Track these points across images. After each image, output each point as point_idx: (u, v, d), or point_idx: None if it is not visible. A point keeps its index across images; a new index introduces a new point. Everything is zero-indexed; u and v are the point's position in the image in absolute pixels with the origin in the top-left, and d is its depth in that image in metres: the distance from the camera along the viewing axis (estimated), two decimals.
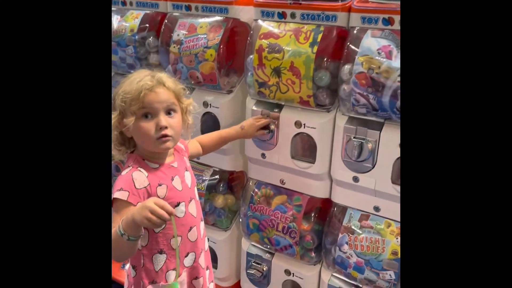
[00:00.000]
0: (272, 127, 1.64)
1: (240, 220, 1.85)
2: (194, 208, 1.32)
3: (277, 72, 1.55)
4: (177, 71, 1.82)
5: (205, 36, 1.73)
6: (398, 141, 1.37)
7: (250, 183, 1.83)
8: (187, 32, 1.78)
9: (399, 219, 1.46)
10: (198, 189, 1.50)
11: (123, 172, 1.23)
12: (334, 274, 1.64)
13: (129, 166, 1.24)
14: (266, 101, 1.67)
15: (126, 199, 1.16)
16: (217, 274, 2.00)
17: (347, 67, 1.44)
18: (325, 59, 1.50)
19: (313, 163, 1.60)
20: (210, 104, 1.81)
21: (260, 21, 1.64)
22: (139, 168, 1.23)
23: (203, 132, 1.71)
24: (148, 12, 1.97)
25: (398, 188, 1.43)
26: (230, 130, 1.64)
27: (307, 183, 1.66)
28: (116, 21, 2.03)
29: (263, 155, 1.71)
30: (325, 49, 1.49)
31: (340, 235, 1.56)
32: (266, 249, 1.83)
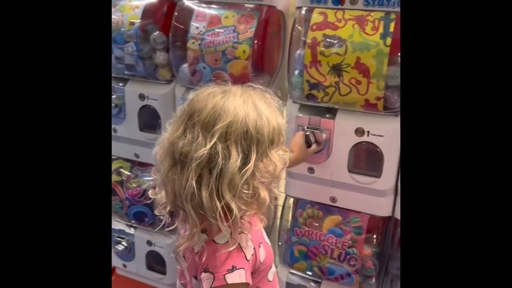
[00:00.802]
0: (324, 136, 1.37)
1: (279, 247, 1.57)
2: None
3: (337, 70, 1.27)
4: (196, 72, 1.49)
5: (234, 28, 1.42)
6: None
7: (289, 202, 1.55)
8: (208, 24, 1.46)
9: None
10: None
11: (222, 240, 0.85)
12: None
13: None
14: (313, 105, 1.39)
15: (245, 281, 0.84)
16: None
17: None
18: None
19: (378, 177, 1.35)
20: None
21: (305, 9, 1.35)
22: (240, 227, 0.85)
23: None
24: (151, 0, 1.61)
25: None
26: None
27: (367, 200, 1.40)
28: None
29: (310, 170, 1.43)
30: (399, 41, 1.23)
31: None
32: (311, 278, 1.56)
